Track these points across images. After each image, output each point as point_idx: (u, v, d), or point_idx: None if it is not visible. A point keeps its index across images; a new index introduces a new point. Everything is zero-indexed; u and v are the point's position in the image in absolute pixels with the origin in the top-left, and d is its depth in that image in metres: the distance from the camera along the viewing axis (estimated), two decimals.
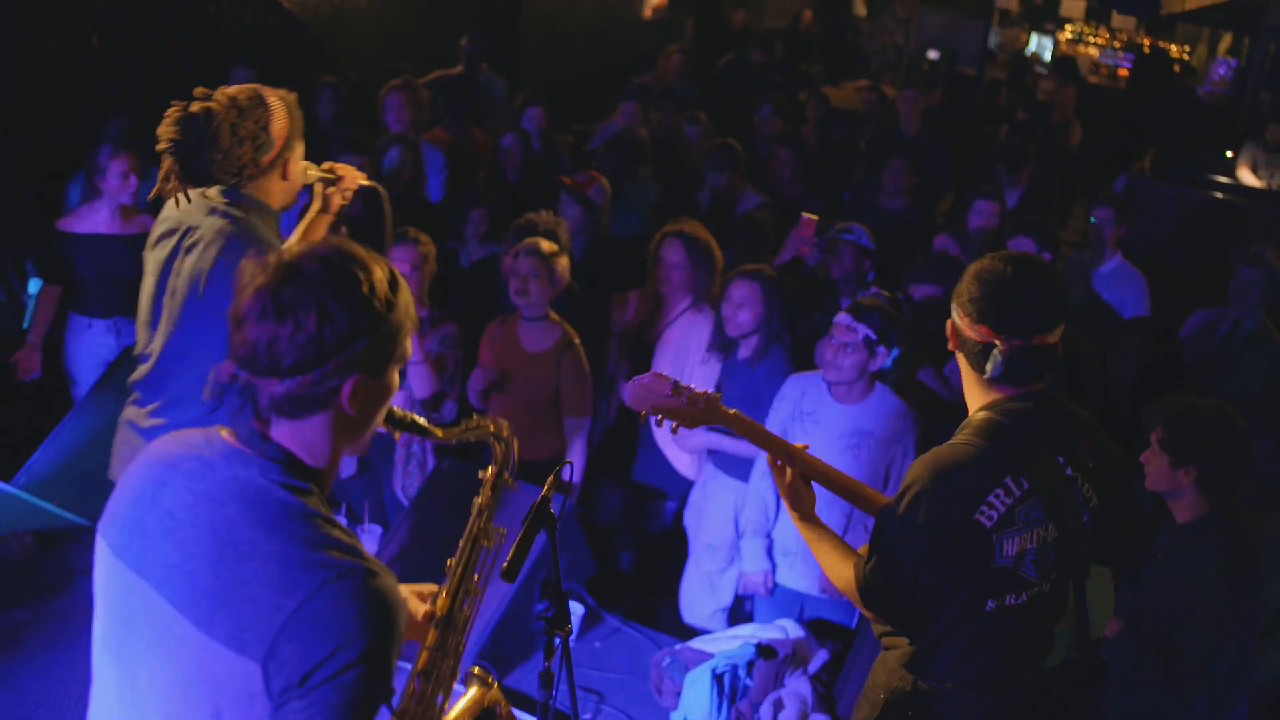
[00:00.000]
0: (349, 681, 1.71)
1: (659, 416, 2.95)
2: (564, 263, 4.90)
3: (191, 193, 3.27)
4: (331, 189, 3.60)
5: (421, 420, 2.22)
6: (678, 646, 4.30)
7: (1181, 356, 5.76)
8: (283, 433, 1.86)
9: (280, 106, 3.32)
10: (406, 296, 1.93)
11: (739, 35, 14.39)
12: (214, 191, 3.33)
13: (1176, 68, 15.67)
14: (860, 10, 19.18)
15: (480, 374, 4.97)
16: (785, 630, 4.29)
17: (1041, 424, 2.70)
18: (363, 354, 1.82)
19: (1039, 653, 2.80)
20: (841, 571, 2.83)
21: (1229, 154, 10.37)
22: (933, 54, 17.34)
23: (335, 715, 1.71)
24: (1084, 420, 2.81)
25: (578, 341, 4.97)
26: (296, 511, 1.80)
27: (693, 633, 4.81)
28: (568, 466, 2.88)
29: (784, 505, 3.04)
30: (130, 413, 3.62)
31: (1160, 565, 3.55)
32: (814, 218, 5.75)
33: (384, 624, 1.76)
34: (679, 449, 5.17)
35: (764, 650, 4.09)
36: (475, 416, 2.41)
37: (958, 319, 2.73)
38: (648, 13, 15.46)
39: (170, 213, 3.43)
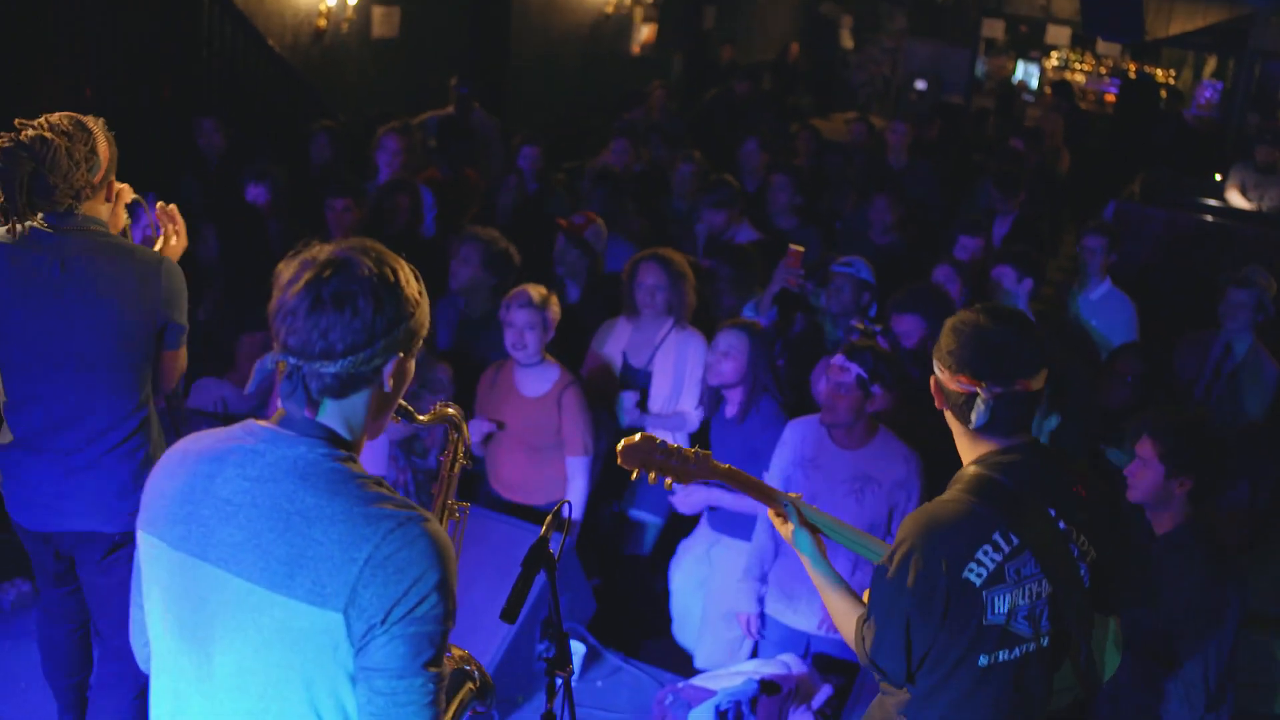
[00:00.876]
0: (424, 613, 1.95)
1: (651, 474, 2.96)
2: (555, 305, 4.90)
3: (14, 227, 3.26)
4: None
5: (404, 403, 2.37)
6: (680, 684, 4.29)
7: (1173, 378, 5.78)
8: (327, 411, 2.07)
9: (99, 130, 3.37)
10: (423, 286, 2.15)
11: (727, 70, 14.49)
12: (39, 221, 3.29)
13: (1163, 92, 15.74)
14: (847, 42, 19.33)
15: (479, 424, 4.95)
16: (788, 665, 4.28)
17: (1032, 476, 2.69)
18: (403, 335, 2.06)
19: (1035, 706, 2.79)
20: (846, 625, 2.84)
21: (1218, 177, 10.41)
22: (920, 84, 17.45)
23: (415, 643, 1.95)
24: (1076, 469, 2.81)
25: (576, 380, 4.96)
26: (347, 476, 2.01)
27: (694, 669, 4.79)
28: (566, 505, 2.89)
29: (795, 552, 3.03)
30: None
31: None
32: (800, 249, 5.73)
33: (444, 559, 1.99)
34: (679, 501, 5.12)
35: (767, 686, 4.08)
36: (439, 405, 2.64)
37: (939, 374, 2.73)
38: (636, 49, 15.55)
39: None
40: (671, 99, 11.15)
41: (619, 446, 2.94)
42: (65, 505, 3.49)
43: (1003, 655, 2.66)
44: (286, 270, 2.03)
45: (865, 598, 2.85)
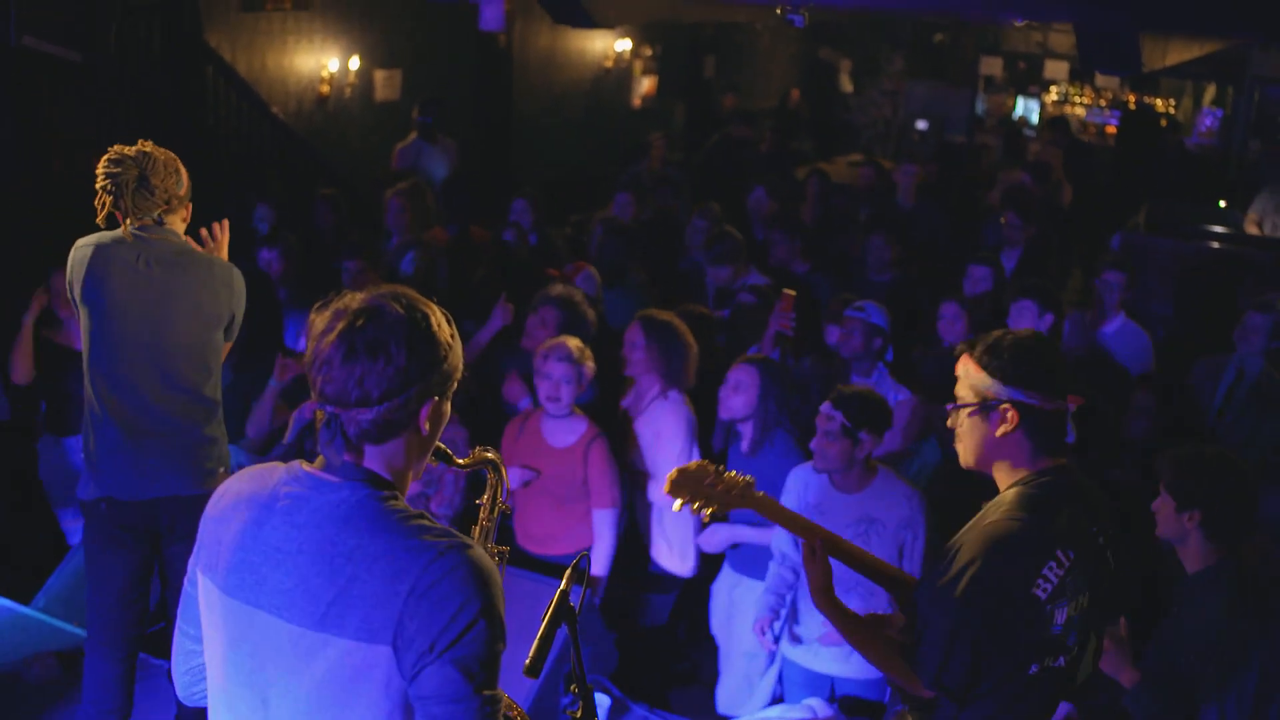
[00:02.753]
0: (471, 639, 1.97)
1: (695, 505, 2.98)
2: (590, 360, 4.90)
3: (110, 234, 3.81)
4: None
5: (444, 447, 2.39)
6: None
7: (1197, 406, 5.77)
8: (367, 456, 2.10)
9: (178, 159, 3.89)
10: (455, 330, 2.19)
11: (728, 118, 14.56)
12: (131, 226, 3.79)
13: (1163, 122, 15.76)
14: (847, 86, 19.43)
15: (519, 474, 4.92)
16: (814, 710, 4.25)
17: (1073, 494, 2.75)
18: (437, 379, 2.09)
19: (1052, 709, 2.83)
20: (887, 658, 2.82)
21: (1222, 204, 10.39)
22: (921, 124, 17.50)
23: (466, 668, 1.97)
24: (1098, 491, 2.86)
25: (603, 433, 4.95)
26: (388, 512, 2.05)
27: (720, 718, 4.76)
28: (585, 558, 2.88)
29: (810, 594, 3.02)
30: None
31: (1174, 617, 3.57)
32: (792, 294, 5.70)
33: (488, 584, 2.01)
34: (704, 540, 5.08)
35: None
36: (478, 449, 2.66)
37: (1033, 401, 2.72)
38: (637, 102, 15.66)
39: (88, 253, 3.81)
40: (672, 149, 11.19)
41: (671, 474, 2.95)
42: (156, 474, 3.90)
43: (1049, 662, 2.70)
44: (320, 320, 2.08)
45: (886, 617, 2.85)
